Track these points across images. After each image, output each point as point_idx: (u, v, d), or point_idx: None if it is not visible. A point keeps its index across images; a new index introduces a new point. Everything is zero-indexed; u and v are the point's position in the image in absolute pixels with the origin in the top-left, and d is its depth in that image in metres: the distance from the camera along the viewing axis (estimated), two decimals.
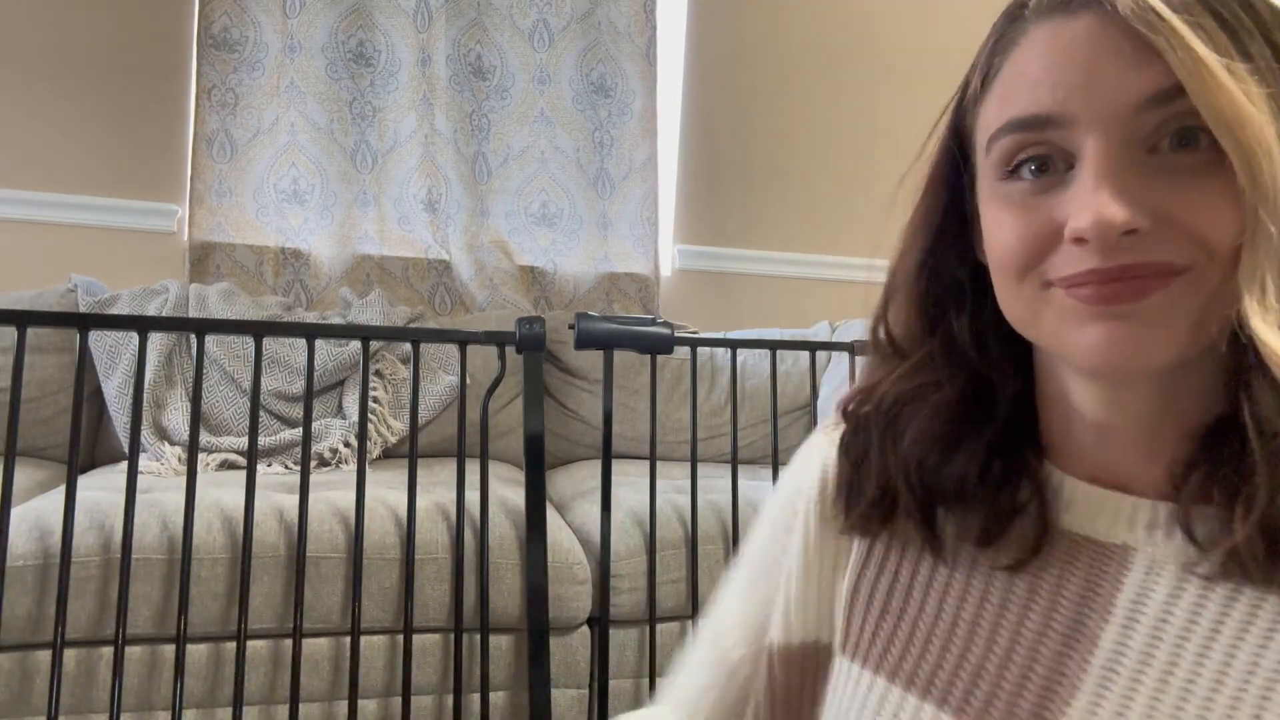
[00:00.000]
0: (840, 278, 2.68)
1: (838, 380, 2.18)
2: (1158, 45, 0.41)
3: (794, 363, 2.34)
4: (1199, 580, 0.44)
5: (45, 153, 2.19)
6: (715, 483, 1.87)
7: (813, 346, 1.77)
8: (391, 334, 1.51)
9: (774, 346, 1.73)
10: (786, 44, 2.67)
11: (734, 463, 1.67)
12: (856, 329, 2.28)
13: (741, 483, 1.90)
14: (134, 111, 2.24)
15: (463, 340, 1.51)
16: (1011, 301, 0.49)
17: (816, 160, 2.69)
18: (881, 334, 0.56)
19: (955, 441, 0.52)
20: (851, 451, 0.56)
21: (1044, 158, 0.46)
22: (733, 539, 1.61)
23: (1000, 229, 0.48)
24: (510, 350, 1.55)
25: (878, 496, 0.54)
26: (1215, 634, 0.43)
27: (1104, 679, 0.45)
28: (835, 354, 2.30)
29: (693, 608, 1.58)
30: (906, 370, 0.55)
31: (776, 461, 1.68)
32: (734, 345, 1.70)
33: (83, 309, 1.95)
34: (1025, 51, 0.47)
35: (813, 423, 2.20)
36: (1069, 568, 0.48)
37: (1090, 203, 0.42)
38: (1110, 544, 0.48)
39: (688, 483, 1.66)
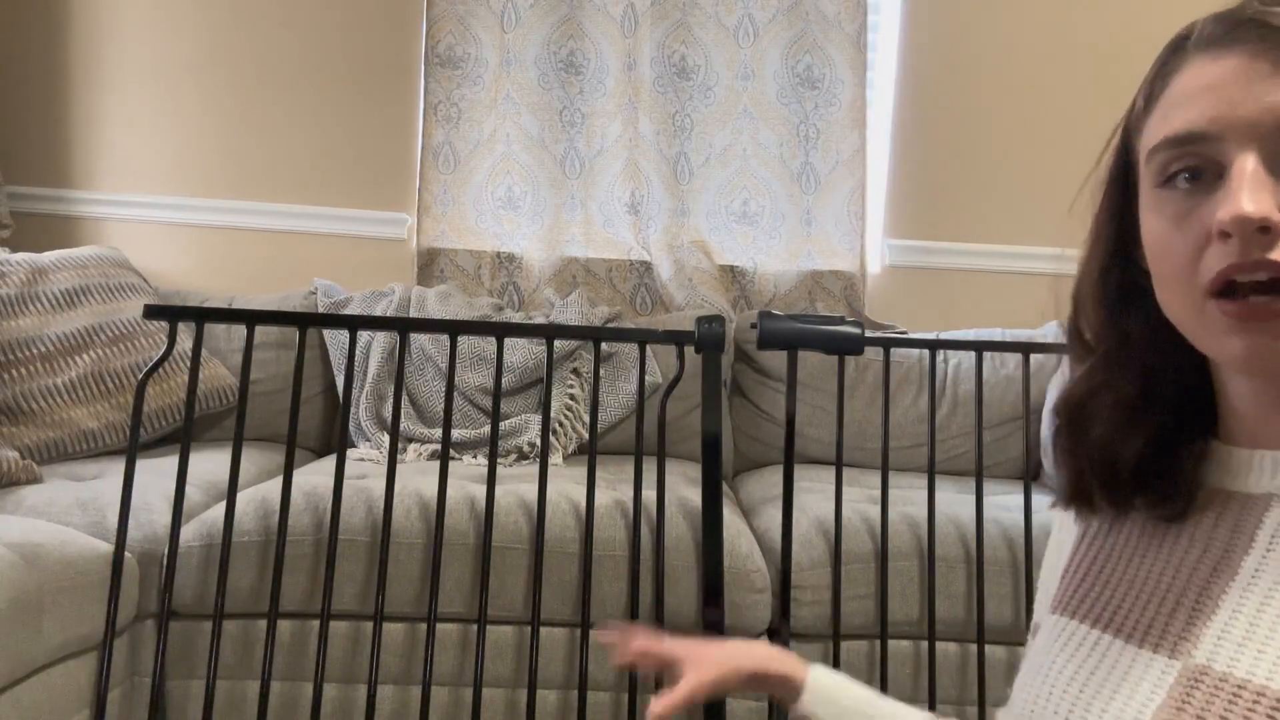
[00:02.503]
0: (1075, 273, 2.43)
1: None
2: None
3: (1015, 367, 2.15)
4: None
5: (294, 169, 2.45)
6: (915, 494, 1.75)
7: (1025, 348, 1.60)
8: (574, 333, 1.54)
9: (979, 348, 1.59)
10: (1012, 20, 2.45)
11: (930, 474, 1.54)
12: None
13: (948, 496, 1.77)
14: (369, 128, 2.45)
15: (642, 339, 1.51)
16: (1170, 304, 0.56)
17: (1050, 144, 2.46)
18: (1076, 336, 0.65)
19: (1132, 435, 0.60)
20: (1055, 444, 0.65)
21: (1197, 169, 0.53)
22: (929, 555, 1.50)
23: (1157, 238, 0.56)
24: (693, 350, 1.53)
25: (1073, 483, 0.64)
26: None
27: (1241, 598, 0.52)
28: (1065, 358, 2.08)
29: (882, 626, 1.48)
30: (1089, 369, 0.63)
31: (981, 473, 1.54)
32: (933, 346, 1.58)
33: (321, 309, 2.16)
34: (1184, 79, 0.54)
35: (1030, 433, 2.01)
36: (1222, 516, 0.56)
37: (1232, 201, 0.50)
38: (1256, 494, 0.55)
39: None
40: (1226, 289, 0.51)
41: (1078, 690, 0.57)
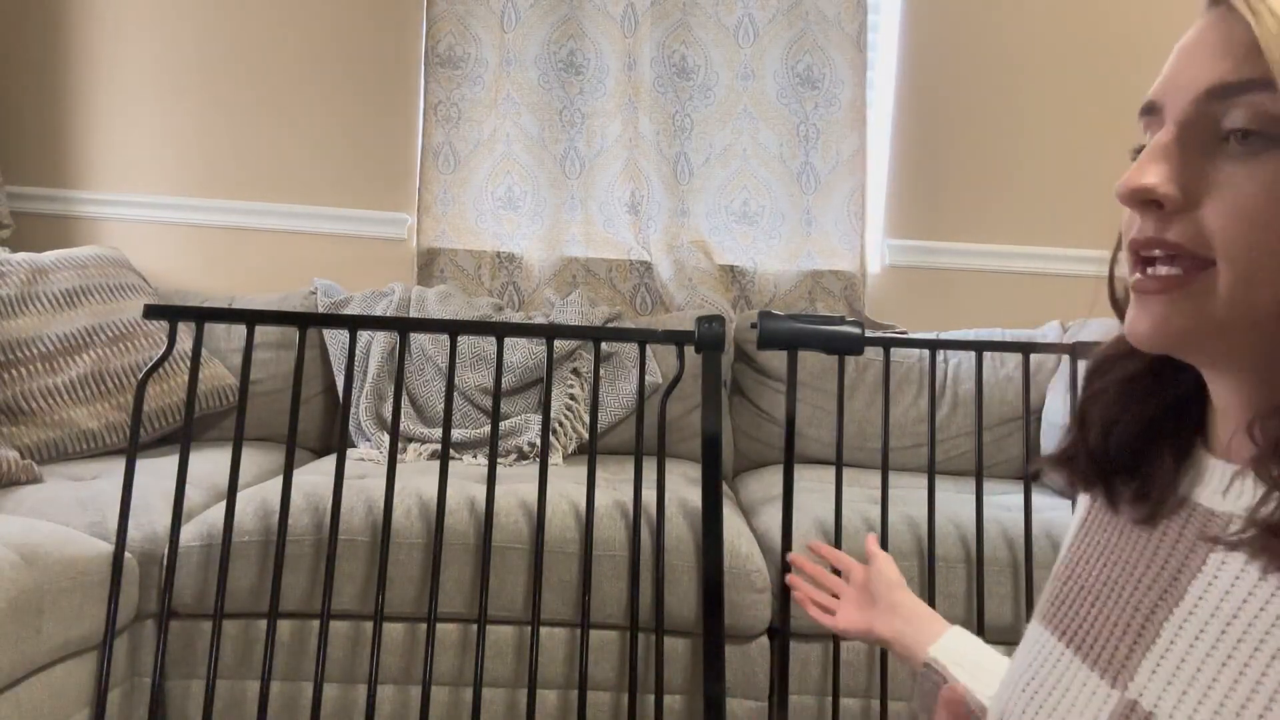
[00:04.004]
0: (1075, 273, 2.43)
1: (1066, 387, 1.97)
2: (1254, 30, 0.45)
3: (1015, 367, 2.15)
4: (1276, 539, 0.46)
5: (294, 169, 2.45)
6: (915, 494, 1.75)
7: (1025, 348, 1.60)
8: (574, 333, 1.54)
9: (979, 348, 1.59)
10: (1012, 20, 2.45)
11: (930, 474, 1.54)
12: (1091, 329, 2.05)
13: (948, 496, 1.77)
14: (370, 129, 2.45)
15: (642, 339, 1.51)
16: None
17: (1050, 145, 2.46)
18: (1112, 295, 0.61)
19: (1128, 409, 0.57)
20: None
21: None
22: (929, 555, 1.50)
23: None
24: (693, 350, 1.53)
25: (1068, 442, 0.61)
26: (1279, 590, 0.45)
27: (1180, 628, 0.49)
28: (1065, 358, 2.08)
29: None
30: (1119, 335, 0.60)
31: (981, 473, 1.54)
32: (933, 346, 1.58)
33: (321, 309, 2.16)
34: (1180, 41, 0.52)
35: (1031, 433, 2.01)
36: (1185, 529, 0.52)
37: (1132, 171, 0.48)
38: (1218, 511, 0.51)
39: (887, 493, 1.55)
40: (1138, 264, 0.50)
41: (1035, 709, 0.56)
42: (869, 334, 1.59)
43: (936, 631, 0.86)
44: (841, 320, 1.50)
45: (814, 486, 1.80)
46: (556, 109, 2.43)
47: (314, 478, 1.60)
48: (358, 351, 2.12)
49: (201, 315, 1.46)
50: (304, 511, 1.48)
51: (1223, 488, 0.51)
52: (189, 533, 1.46)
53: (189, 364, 1.95)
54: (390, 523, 1.41)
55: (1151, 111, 0.51)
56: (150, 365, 1.42)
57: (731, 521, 1.54)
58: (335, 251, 2.45)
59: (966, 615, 1.51)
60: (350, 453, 1.95)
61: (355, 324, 1.49)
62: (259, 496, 1.51)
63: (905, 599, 0.93)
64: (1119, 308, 0.59)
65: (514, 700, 1.48)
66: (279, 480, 1.63)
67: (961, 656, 0.81)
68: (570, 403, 2.05)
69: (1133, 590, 0.54)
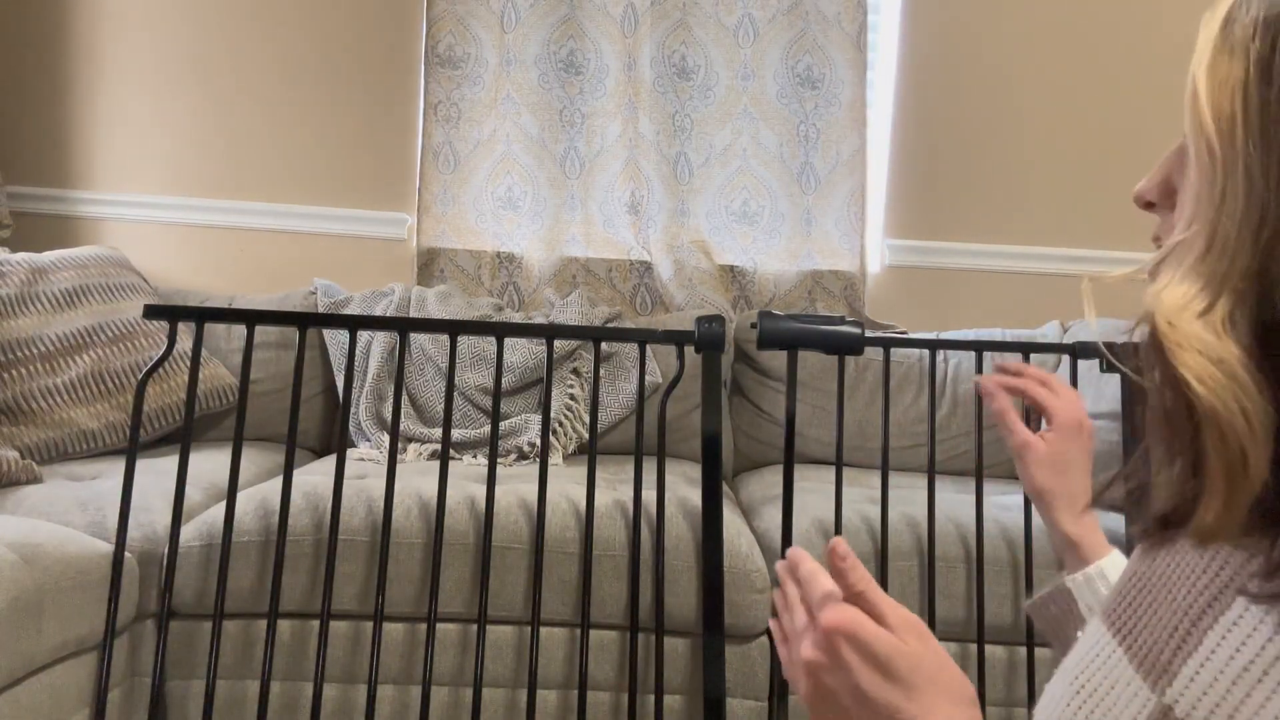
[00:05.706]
0: (1075, 273, 2.43)
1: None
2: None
3: None
4: None
5: (293, 169, 2.45)
6: (915, 494, 1.75)
7: (1026, 348, 1.60)
8: (574, 333, 1.54)
9: (979, 348, 1.59)
10: (1012, 20, 2.45)
11: (930, 474, 1.54)
12: (1091, 330, 2.06)
13: (948, 496, 1.77)
14: (369, 129, 2.45)
15: (642, 339, 1.51)
16: None
17: (1049, 145, 2.46)
18: None
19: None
20: None
21: None
22: (929, 555, 1.50)
23: None
24: (693, 350, 1.53)
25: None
26: None
27: (1226, 634, 0.47)
28: (1065, 358, 2.09)
29: None
30: None
31: (981, 473, 1.54)
32: (933, 346, 1.58)
33: (321, 309, 2.16)
34: None
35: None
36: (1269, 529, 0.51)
37: None
38: None
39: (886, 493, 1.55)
40: None
41: (1079, 705, 0.55)
42: (869, 334, 1.59)
43: (1083, 559, 0.84)
44: (841, 320, 1.50)
45: (814, 486, 1.80)
46: (556, 109, 2.43)
47: (314, 478, 1.60)
48: (358, 352, 2.12)
49: (201, 315, 1.46)
50: (304, 511, 1.48)
51: None
52: (189, 533, 1.46)
53: (189, 364, 1.95)
54: (390, 523, 1.41)
55: None
56: (150, 365, 1.42)
57: (731, 521, 1.54)
58: (335, 251, 2.45)
59: (966, 615, 1.52)
60: (350, 453, 1.95)
61: (355, 324, 1.49)
62: (259, 496, 1.52)
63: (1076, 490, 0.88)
64: None
65: (514, 700, 1.48)
66: (279, 480, 1.62)
67: (1095, 598, 0.80)
68: (570, 403, 2.05)
69: (1187, 591, 0.51)
